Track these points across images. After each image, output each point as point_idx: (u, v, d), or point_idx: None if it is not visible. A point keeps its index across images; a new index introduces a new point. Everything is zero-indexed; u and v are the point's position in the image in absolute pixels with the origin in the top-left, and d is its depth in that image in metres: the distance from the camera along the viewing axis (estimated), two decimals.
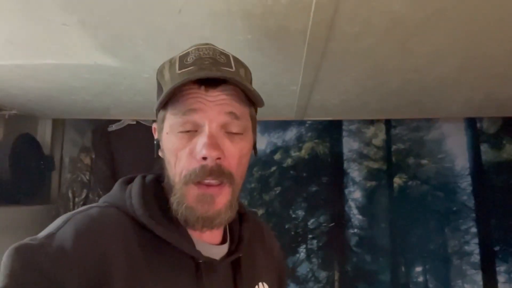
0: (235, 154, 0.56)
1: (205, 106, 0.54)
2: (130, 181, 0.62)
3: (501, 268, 1.72)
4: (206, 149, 0.52)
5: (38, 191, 1.74)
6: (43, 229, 0.53)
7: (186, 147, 0.55)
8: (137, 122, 1.75)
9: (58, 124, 1.91)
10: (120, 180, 0.63)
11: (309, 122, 1.92)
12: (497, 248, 1.73)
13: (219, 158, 0.54)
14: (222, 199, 0.55)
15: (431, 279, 1.75)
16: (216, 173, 0.54)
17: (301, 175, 1.90)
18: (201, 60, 0.56)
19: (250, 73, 0.64)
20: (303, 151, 1.92)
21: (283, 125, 1.93)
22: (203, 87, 0.55)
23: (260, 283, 0.66)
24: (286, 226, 1.86)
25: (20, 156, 1.61)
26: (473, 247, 1.75)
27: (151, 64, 1.02)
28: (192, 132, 0.55)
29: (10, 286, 0.44)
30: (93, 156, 1.68)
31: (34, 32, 0.83)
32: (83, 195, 1.60)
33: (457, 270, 1.74)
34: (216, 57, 0.57)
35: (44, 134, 1.84)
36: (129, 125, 1.75)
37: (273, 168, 1.91)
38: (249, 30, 0.80)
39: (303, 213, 1.88)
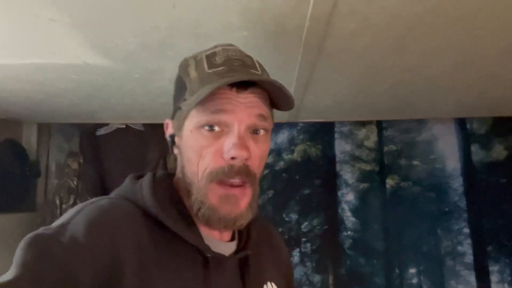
0: (258, 156, 0.57)
1: (236, 108, 0.55)
2: (140, 176, 0.63)
3: (494, 268, 1.73)
4: (236, 149, 0.53)
5: (23, 198, 1.70)
6: None
7: (213, 146, 0.55)
8: (126, 125, 1.71)
9: (44, 128, 1.87)
10: (130, 175, 0.64)
11: (301, 124, 1.91)
12: (489, 248, 1.74)
13: (247, 159, 0.55)
14: (245, 200, 0.56)
15: (425, 280, 1.75)
16: (243, 173, 0.55)
17: (294, 178, 1.89)
18: (231, 61, 0.57)
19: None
20: (295, 154, 1.90)
21: (275, 127, 1.92)
22: (234, 89, 0.55)
23: (268, 283, 0.65)
24: (279, 230, 1.84)
25: (4, 162, 1.57)
26: (466, 247, 1.76)
27: (143, 63, 0.99)
28: (219, 131, 0.55)
29: (24, 275, 0.43)
30: (81, 161, 1.64)
31: (18, 28, 0.79)
32: (71, 201, 1.55)
33: (450, 271, 1.75)
34: (243, 59, 0.58)
35: (29, 139, 1.80)
36: (118, 128, 1.71)
37: (266, 171, 1.89)
38: (245, 27, 0.78)
39: (296, 216, 1.86)
